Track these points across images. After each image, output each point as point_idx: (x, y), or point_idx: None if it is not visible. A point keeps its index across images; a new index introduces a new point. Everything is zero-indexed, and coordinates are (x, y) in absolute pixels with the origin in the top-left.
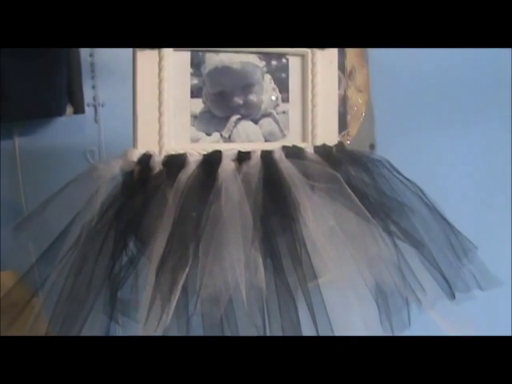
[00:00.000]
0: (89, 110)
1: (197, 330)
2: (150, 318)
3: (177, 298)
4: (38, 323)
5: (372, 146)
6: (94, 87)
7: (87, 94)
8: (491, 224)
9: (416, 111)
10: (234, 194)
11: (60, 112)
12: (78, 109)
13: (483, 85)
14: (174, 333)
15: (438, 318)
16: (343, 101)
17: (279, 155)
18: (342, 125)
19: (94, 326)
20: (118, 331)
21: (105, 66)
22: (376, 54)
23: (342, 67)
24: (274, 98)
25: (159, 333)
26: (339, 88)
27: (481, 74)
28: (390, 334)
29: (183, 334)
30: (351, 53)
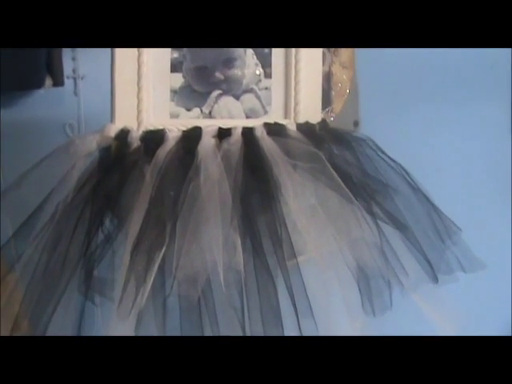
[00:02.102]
0: (68, 83)
1: (173, 312)
2: (124, 299)
3: (152, 278)
4: (12, 300)
5: (356, 123)
6: (73, 59)
7: (67, 66)
8: (479, 205)
9: (402, 88)
10: (213, 172)
11: (39, 84)
12: (57, 81)
13: (473, 61)
14: (150, 315)
15: (420, 301)
16: (327, 77)
17: (261, 132)
18: (326, 101)
19: (69, 305)
20: (95, 310)
21: None
22: None
23: None
24: (257, 72)
25: (133, 315)
26: (323, 64)
27: (471, 53)
28: (372, 317)
29: (159, 315)
30: None
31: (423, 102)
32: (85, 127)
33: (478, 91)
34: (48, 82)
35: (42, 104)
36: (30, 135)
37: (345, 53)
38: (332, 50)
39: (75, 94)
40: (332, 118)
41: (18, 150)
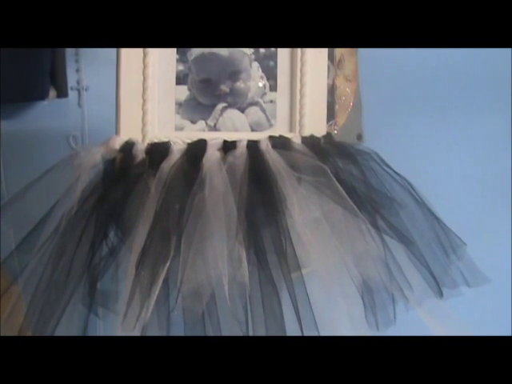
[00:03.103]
0: (72, 94)
1: (178, 325)
2: (128, 313)
3: (157, 292)
4: (15, 312)
5: (359, 137)
6: (78, 71)
7: (71, 78)
8: (482, 218)
9: (405, 101)
10: (218, 185)
11: (43, 95)
12: (62, 92)
13: (474, 75)
14: (155, 328)
15: (424, 315)
16: (331, 90)
17: (266, 145)
18: (330, 114)
19: (72, 317)
20: (101, 324)
21: (89, 49)
22: None
23: (330, 56)
24: (261, 84)
25: (138, 329)
26: (327, 77)
27: (472, 65)
28: (375, 331)
29: (163, 329)
30: None
31: (426, 115)
32: (88, 139)
33: (480, 103)
34: (52, 93)
35: (46, 115)
36: (33, 146)
37: (348, 66)
38: (336, 62)
39: (79, 105)
40: (335, 131)
41: (21, 162)
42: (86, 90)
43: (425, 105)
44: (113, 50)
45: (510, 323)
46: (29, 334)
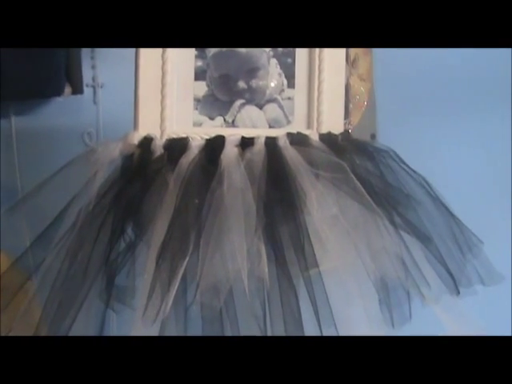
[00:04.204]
0: (87, 91)
1: (195, 320)
2: (148, 308)
3: (176, 287)
4: (31, 308)
5: (373, 136)
6: (93, 67)
7: (86, 75)
8: (493, 217)
9: (418, 101)
10: (236, 181)
11: (58, 92)
12: (77, 89)
13: (487, 74)
14: (172, 323)
15: (441, 313)
16: (346, 89)
17: (284, 142)
18: (344, 114)
19: (89, 313)
20: (115, 319)
21: None
22: None
23: (345, 55)
24: (278, 83)
25: (157, 323)
26: None
27: (484, 65)
28: (390, 327)
29: (181, 324)
30: None
31: (440, 115)
32: (103, 136)
33: (495, 103)
34: (67, 89)
35: (61, 112)
36: (48, 143)
37: (363, 65)
38: (350, 61)
39: (94, 102)
40: (350, 131)
41: (35, 158)
42: (101, 86)
43: (438, 105)
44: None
45: (510, 323)
46: (45, 329)
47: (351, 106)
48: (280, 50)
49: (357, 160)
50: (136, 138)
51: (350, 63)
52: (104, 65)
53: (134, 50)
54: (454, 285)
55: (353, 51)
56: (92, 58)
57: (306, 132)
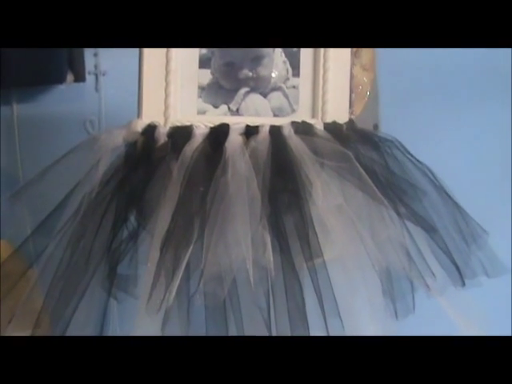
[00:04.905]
0: (90, 79)
1: (198, 309)
2: (153, 296)
3: (180, 276)
4: (33, 296)
5: (376, 127)
6: (95, 55)
7: (88, 62)
8: (495, 208)
9: (421, 92)
10: (241, 169)
11: (60, 80)
12: (79, 77)
13: (490, 67)
14: (175, 312)
15: (445, 304)
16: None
17: (288, 131)
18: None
19: (91, 301)
20: (115, 308)
21: None
22: None
23: None
24: (283, 71)
25: (161, 312)
26: None
27: (488, 58)
28: (394, 318)
29: (184, 313)
30: None
31: (441, 105)
32: (105, 124)
33: (498, 94)
34: (69, 77)
35: (63, 99)
36: (49, 131)
37: (366, 55)
38: (353, 51)
39: (96, 90)
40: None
41: (37, 146)
42: (103, 74)
43: (441, 95)
44: None
45: (510, 323)
46: (47, 317)
47: (354, 96)
48: None
49: (361, 149)
50: (140, 125)
51: (353, 53)
52: (106, 52)
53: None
54: (460, 276)
55: None
56: None
57: (311, 121)
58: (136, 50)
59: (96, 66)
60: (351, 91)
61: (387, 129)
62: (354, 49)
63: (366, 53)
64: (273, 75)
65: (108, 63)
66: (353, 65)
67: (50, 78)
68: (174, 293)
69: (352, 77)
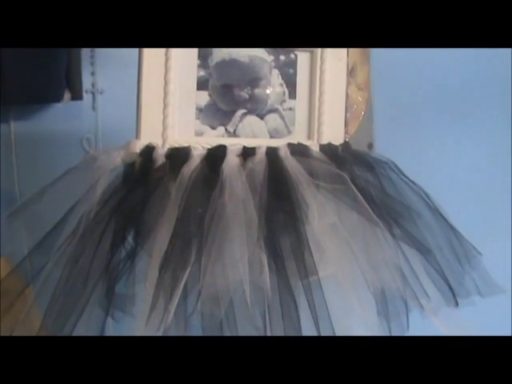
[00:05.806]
0: (87, 97)
1: (195, 330)
2: (152, 317)
3: (178, 296)
4: (31, 315)
5: (370, 146)
6: (93, 74)
7: (86, 81)
8: (491, 224)
9: (415, 111)
10: (238, 190)
11: (57, 98)
12: (76, 95)
13: (484, 84)
14: (172, 332)
15: (440, 324)
16: None
17: (284, 152)
18: None
19: (89, 321)
20: (110, 326)
21: (105, 52)
22: (377, 51)
23: None
24: (280, 93)
25: (160, 332)
26: None
27: (481, 73)
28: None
29: (181, 333)
30: (353, 49)
31: (437, 125)
32: (102, 142)
33: (493, 112)
34: (67, 95)
35: (60, 117)
36: (47, 148)
37: (360, 74)
38: (348, 71)
39: (93, 108)
40: (346, 140)
41: (34, 163)
42: (100, 93)
43: (435, 114)
44: (129, 54)
45: (510, 323)
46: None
47: (349, 115)
48: (282, 60)
49: (357, 171)
50: (138, 146)
51: (348, 73)
52: (104, 71)
53: (134, 56)
54: (453, 297)
55: (351, 60)
56: (92, 64)
57: (307, 142)
58: (134, 70)
59: (93, 85)
60: (346, 110)
61: (381, 147)
62: (349, 68)
63: (360, 72)
64: (269, 97)
65: (105, 82)
66: (348, 84)
67: (47, 96)
68: (172, 313)
69: (347, 96)
